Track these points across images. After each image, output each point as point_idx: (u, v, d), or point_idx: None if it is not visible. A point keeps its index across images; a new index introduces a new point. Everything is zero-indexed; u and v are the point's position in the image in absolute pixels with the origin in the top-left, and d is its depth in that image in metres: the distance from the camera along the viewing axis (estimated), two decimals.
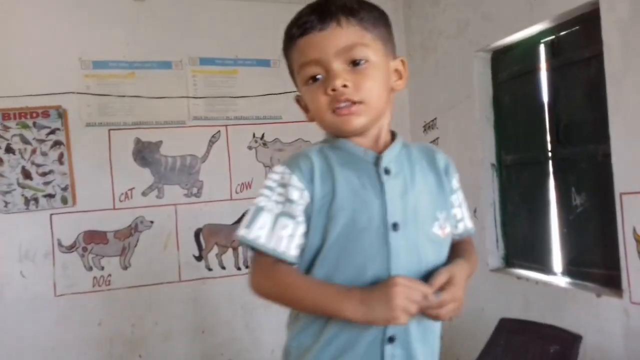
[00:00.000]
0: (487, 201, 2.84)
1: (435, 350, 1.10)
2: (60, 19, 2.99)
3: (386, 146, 1.07)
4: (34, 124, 2.92)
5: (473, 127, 2.87)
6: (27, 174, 2.91)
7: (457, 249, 1.14)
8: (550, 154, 2.51)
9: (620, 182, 2.02)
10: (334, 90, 0.99)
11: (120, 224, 3.05)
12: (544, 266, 2.57)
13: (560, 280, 2.43)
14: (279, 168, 1.04)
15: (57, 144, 2.95)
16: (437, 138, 3.23)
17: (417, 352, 1.04)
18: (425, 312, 0.98)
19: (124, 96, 3.06)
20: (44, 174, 2.93)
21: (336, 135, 1.07)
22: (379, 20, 1.06)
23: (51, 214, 2.94)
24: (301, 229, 1.02)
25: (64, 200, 2.95)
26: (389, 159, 1.05)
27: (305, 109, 1.10)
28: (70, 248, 2.97)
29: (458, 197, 1.16)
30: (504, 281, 2.72)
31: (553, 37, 2.43)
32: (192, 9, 3.20)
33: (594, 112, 2.22)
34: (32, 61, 2.93)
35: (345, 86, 0.99)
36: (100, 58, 3.04)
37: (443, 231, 1.08)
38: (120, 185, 3.05)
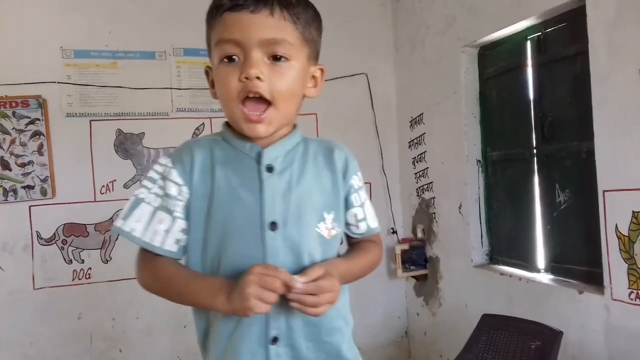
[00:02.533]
0: (472, 197, 2.84)
1: (337, 346, 1.06)
2: (42, 6, 2.93)
3: (277, 142, 1.04)
4: (13, 113, 2.86)
5: (459, 123, 2.87)
6: (5, 165, 2.84)
7: (355, 247, 1.14)
8: (535, 150, 2.51)
9: (604, 179, 2.03)
10: (247, 78, 0.95)
11: (101, 216, 3.00)
12: (528, 263, 2.58)
13: (543, 277, 2.44)
14: (163, 160, 1.03)
15: (36, 134, 2.89)
16: (424, 133, 3.22)
17: (306, 350, 1.02)
18: (299, 308, 0.94)
19: (105, 86, 3.01)
20: (23, 165, 2.87)
21: (230, 126, 1.05)
22: (313, 21, 1.02)
23: (30, 206, 2.88)
24: (179, 224, 1.01)
25: (44, 192, 2.89)
26: (273, 155, 1.02)
27: (212, 84, 1.06)
28: (50, 241, 2.92)
29: (359, 196, 1.13)
30: (487, 278, 2.72)
31: (539, 33, 2.44)
32: None
33: (578, 109, 2.23)
34: (11, 49, 2.86)
35: (259, 78, 0.95)
36: (82, 47, 2.98)
37: (329, 232, 1.05)
38: (101, 177, 3.00)
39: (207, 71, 1.08)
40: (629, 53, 1.91)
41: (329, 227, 1.05)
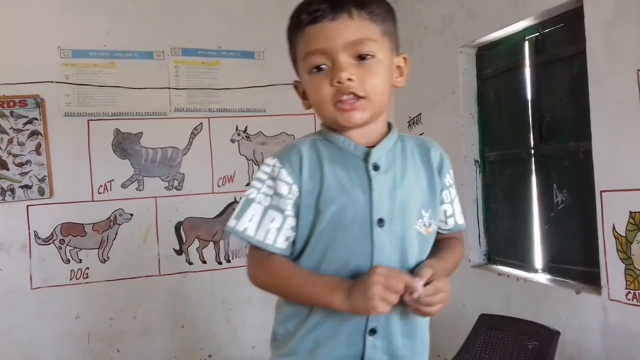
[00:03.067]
0: (470, 197, 2.84)
1: (425, 345, 1.11)
2: (40, 6, 2.93)
3: (380, 140, 1.07)
4: (11, 113, 2.85)
5: (457, 123, 2.87)
6: (3, 164, 2.84)
7: (442, 244, 1.15)
8: (532, 150, 2.52)
9: (601, 179, 2.03)
10: (339, 82, 0.98)
11: (99, 216, 3.00)
12: (525, 263, 2.58)
13: (541, 277, 2.44)
14: (270, 160, 1.06)
15: (34, 133, 2.88)
16: (422, 134, 3.22)
17: (400, 345, 1.05)
18: (416, 308, 0.98)
19: (103, 86, 3.01)
20: (20, 165, 2.87)
21: (331, 128, 1.07)
22: (388, 14, 1.06)
23: (28, 205, 2.88)
24: (289, 222, 1.03)
25: (41, 192, 2.89)
26: (378, 154, 1.05)
27: (303, 96, 1.10)
28: (47, 240, 2.92)
29: (450, 194, 1.16)
30: (485, 278, 2.73)
31: (537, 34, 2.44)
32: None
33: (576, 109, 2.23)
34: (9, 49, 2.86)
35: (350, 80, 0.98)
36: (80, 47, 2.98)
37: (427, 229, 1.08)
38: (99, 177, 3.00)
39: (296, 85, 1.12)
40: (626, 53, 1.92)
41: (426, 224, 1.08)
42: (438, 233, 1.16)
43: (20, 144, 2.87)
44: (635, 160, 1.90)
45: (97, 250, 3.00)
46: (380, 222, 1.02)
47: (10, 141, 2.85)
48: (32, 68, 2.88)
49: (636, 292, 1.92)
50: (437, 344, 3.33)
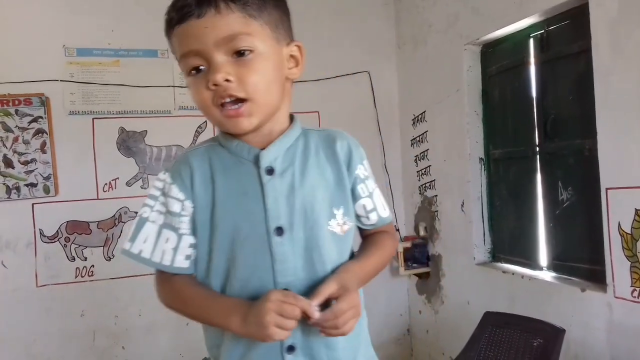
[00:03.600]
0: (474, 195, 2.84)
1: (357, 349, 1.04)
2: (45, 5, 2.93)
3: (274, 141, 0.99)
4: (16, 111, 2.86)
5: (462, 121, 2.87)
6: (8, 163, 2.85)
7: (368, 241, 1.11)
8: (537, 148, 2.51)
9: (606, 177, 2.03)
10: (215, 85, 0.90)
11: (104, 214, 3.01)
12: (530, 261, 2.57)
13: (546, 274, 2.44)
14: (162, 175, 1.01)
15: (39, 132, 2.89)
16: (426, 131, 3.22)
17: (325, 357, 0.99)
18: (323, 329, 0.92)
19: (108, 84, 3.01)
20: (26, 163, 2.87)
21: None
22: (266, 3, 0.95)
23: (33, 204, 2.89)
24: (186, 240, 0.99)
25: (46, 190, 2.90)
26: (272, 156, 0.98)
27: None
28: (53, 238, 2.93)
29: (367, 187, 1.08)
30: (490, 275, 2.72)
31: (542, 31, 2.43)
32: None
33: (581, 107, 2.22)
34: (14, 48, 2.87)
35: (228, 80, 0.90)
36: (85, 45, 2.98)
37: (341, 228, 1.02)
38: (103, 175, 3.00)
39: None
40: (632, 51, 1.91)
41: (340, 223, 1.01)
42: (363, 230, 1.11)
43: (26, 143, 2.88)
44: None
45: (102, 248, 3.01)
46: (279, 230, 0.95)
47: (15, 139, 2.86)
48: (37, 66, 2.89)
49: None
50: (442, 342, 3.36)
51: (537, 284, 2.41)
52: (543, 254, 2.51)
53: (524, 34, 2.53)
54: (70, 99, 2.96)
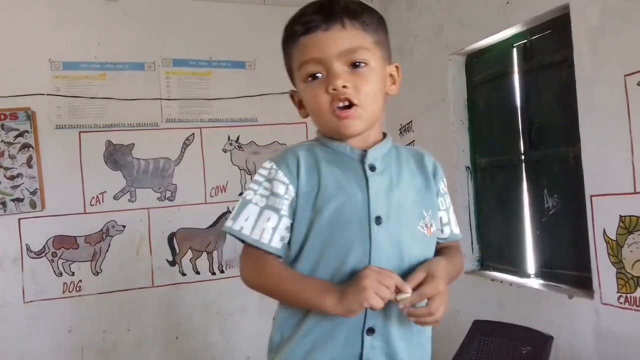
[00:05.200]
0: (461, 204, 2.85)
1: (426, 351, 1.12)
2: (30, 18, 2.93)
3: (375, 145, 1.09)
4: (2, 126, 2.84)
5: (448, 130, 2.89)
6: None
7: (443, 252, 1.16)
8: (523, 156, 2.53)
9: (591, 184, 2.05)
10: (334, 89, 1.01)
11: (91, 228, 2.99)
12: (518, 268, 2.59)
13: (534, 282, 2.45)
14: (267, 164, 1.08)
15: (25, 146, 2.87)
16: (413, 141, 3.24)
17: (399, 349, 1.05)
18: (415, 316, 0.99)
19: (95, 98, 3.01)
20: (12, 178, 2.85)
21: (328, 136, 1.09)
22: (379, 25, 1.09)
23: (19, 219, 2.86)
24: (285, 222, 1.05)
25: (33, 205, 2.87)
26: (374, 156, 1.08)
27: (300, 105, 1.12)
28: (40, 253, 2.90)
29: (445, 201, 1.18)
30: (478, 284, 2.73)
31: (525, 41, 2.46)
32: (165, 10, 3.16)
33: (565, 115, 2.25)
34: (0, 62, 2.85)
35: (345, 87, 1.01)
36: (71, 59, 2.98)
37: (429, 229, 1.10)
38: (91, 189, 2.99)
39: (292, 95, 1.14)
40: (613, 59, 1.94)
41: (428, 225, 1.10)
42: (436, 242, 1.17)
43: (12, 157, 2.86)
44: (624, 165, 1.92)
45: (89, 262, 2.99)
46: (378, 220, 1.03)
47: (1, 154, 2.84)
48: (23, 80, 2.88)
49: (628, 295, 1.93)
50: (431, 350, 3.31)
51: (525, 291, 2.42)
52: (531, 262, 2.52)
53: (507, 44, 2.56)
54: (57, 113, 2.95)
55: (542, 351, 1.87)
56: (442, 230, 1.17)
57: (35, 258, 2.89)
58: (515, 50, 2.54)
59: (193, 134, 3.19)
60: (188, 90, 3.18)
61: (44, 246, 2.91)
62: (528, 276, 2.52)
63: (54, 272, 2.92)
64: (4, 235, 2.84)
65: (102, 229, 3.00)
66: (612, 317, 1.98)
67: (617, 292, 1.96)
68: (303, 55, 1.04)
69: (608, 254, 1.99)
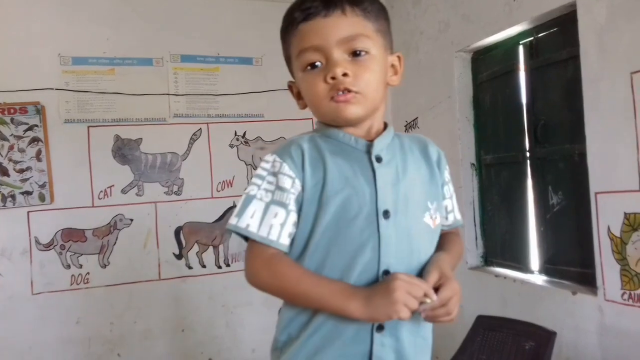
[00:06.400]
0: (466, 200, 2.86)
1: (428, 343, 1.10)
2: (41, 14, 2.95)
3: (378, 136, 1.06)
4: (12, 120, 2.88)
5: (453, 127, 2.90)
6: (4, 171, 2.86)
7: (444, 240, 1.14)
8: (528, 153, 2.54)
9: (596, 181, 2.06)
10: (333, 78, 0.98)
11: (99, 221, 3.02)
12: (522, 264, 2.60)
13: (537, 278, 2.46)
14: (269, 157, 1.03)
15: (35, 140, 2.91)
16: None
17: (407, 343, 1.03)
18: (433, 317, 0.98)
19: (103, 93, 3.03)
20: (21, 171, 2.89)
21: (329, 125, 1.06)
22: (381, 12, 1.05)
23: (28, 212, 2.90)
24: (292, 217, 1.00)
25: (42, 198, 2.91)
26: (380, 147, 1.04)
27: (298, 96, 1.09)
28: (48, 246, 2.93)
29: (449, 189, 1.16)
30: (482, 279, 2.75)
31: (531, 38, 2.47)
32: (174, 6, 3.18)
33: (570, 112, 2.25)
34: (10, 57, 2.89)
35: (345, 75, 0.98)
36: (80, 54, 3.01)
37: (434, 221, 1.08)
38: (99, 183, 3.02)
39: (291, 85, 1.11)
40: (619, 57, 1.95)
41: (433, 217, 1.07)
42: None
43: (21, 151, 2.89)
44: (629, 162, 1.93)
45: (97, 255, 3.02)
46: (386, 213, 1.00)
47: (10, 148, 2.87)
48: (32, 75, 2.91)
49: (632, 292, 1.94)
50: (434, 345, 3.33)
51: (528, 287, 2.43)
52: (534, 258, 2.53)
53: (513, 41, 2.57)
54: (66, 107, 2.98)
55: (546, 347, 1.88)
56: (446, 218, 1.16)
57: (43, 250, 2.92)
58: (521, 48, 2.54)
59: (200, 129, 3.22)
60: (196, 86, 3.21)
61: (53, 239, 2.94)
62: (532, 272, 2.53)
63: (62, 264, 2.95)
64: (13, 228, 2.87)
65: (109, 222, 3.04)
66: (616, 313, 1.99)
67: (621, 288, 1.97)
68: (302, 42, 1.00)
69: (612, 251, 2.00)
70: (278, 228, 0.99)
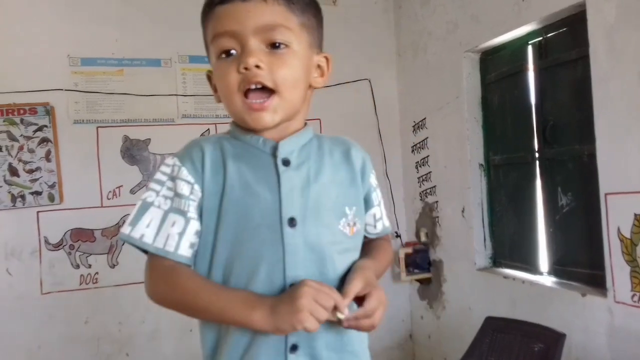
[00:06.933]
0: (475, 201, 2.85)
1: (361, 358, 1.01)
2: (49, 15, 2.97)
3: (289, 137, 0.98)
4: (21, 120, 2.90)
5: (462, 127, 2.89)
6: (13, 171, 2.88)
7: (370, 245, 1.09)
8: (537, 154, 2.53)
9: (605, 182, 2.04)
10: (246, 68, 0.90)
11: (108, 221, 3.03)
12: (531, 266, 2.59)
13: (546, 279, 2.45)
14: (170, 160, 0.96)
15: (44, 141, 2.93)
16: (427, 138, 3.24)
17: None
18: (356, 326, 0.91)
19: (112, 93, 3.05)
20: (31, 171, 2.91)
21: (238, 125, 0.99)
22: (309, 7, 0.97)
23: (38, 212, 2.92)
24: (193, 225, 0.93)
25: (51, 198, 2.93)
26: (289, 149, 0.96)
27: (215, 88, 1.00)
28: (57, 246, 2.95)
29: (377, 195, 1.10)
30: (491, 281, 2.74)
31: (540, 38, 2.46)
32: (182, 6, 3.17)
33: (580, 112, 2.24)
34: (20, 57, 2.91)
35: (258, 67, 0.90)
36: (89, 55, 3.02)
37: (351, 228, 1.00)
38: (108, 183, 3.03)
39: (209, 76, 1.03)
40: (629, 57, 1.93)
41: (350, 224, 1.00)
42: (365, 237, 1.09)
43: (31, 151, 2.91)
44: None
45: (106, 255, 3.03)
46: (292, 222, 0.92)
47: (20, 148, 2.89)
48: (42, 76, 2.93)
49: None
50: (443, 347, 3.36)
51: (537, 288, 2.42)
52: (543, 259, 2.52)
53: (522, 41, 2.56)
54: (75, 108, 2.99)
55: (555, 349, 1.87)
56: (374, 226, 1.10)
57: (53, 250, 2.94)
58: (530, 48, 2.53)
59: (208, 129, 3.22)
60: (204, 87, 3.19)
61: (62, 239, 2.96)
62: (541, 274, 2.51)
63: (71, 264, 2.97)
64: (22, 228, 2.89)
65: (118, 223, 3.05)
66: (626, 315, 1.98)
67: (631, 290, 1.95)
68: (217, 26, 0.93)
69: (622, 252, 1.99)
70: (176, 238, 0.91)
